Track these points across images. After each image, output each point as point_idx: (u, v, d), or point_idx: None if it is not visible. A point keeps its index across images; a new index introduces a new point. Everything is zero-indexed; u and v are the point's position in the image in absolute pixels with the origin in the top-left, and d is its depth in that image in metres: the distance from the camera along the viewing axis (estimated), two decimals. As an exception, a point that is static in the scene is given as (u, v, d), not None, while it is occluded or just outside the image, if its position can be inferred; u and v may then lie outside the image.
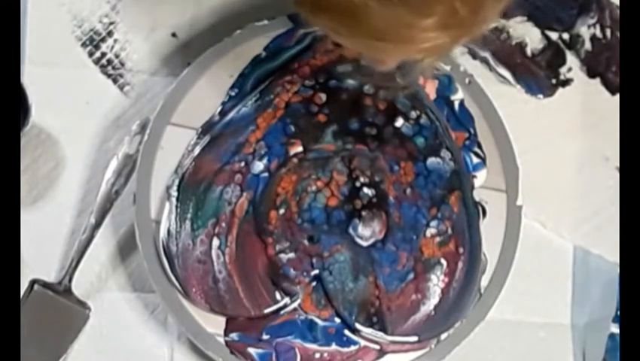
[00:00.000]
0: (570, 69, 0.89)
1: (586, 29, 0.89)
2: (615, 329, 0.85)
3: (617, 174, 0.88)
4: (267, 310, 0.80)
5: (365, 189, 0.82)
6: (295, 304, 0.80)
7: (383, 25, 0.57)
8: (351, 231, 0.82)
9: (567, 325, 0.86)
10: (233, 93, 0.83)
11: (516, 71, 0.88)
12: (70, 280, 0.80)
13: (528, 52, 0.89)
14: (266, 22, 0.83)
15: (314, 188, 0.82)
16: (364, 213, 0.82)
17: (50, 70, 0.85)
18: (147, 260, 0.80)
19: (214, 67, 0.82)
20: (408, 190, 0.83)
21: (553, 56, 0.89)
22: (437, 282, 0.82)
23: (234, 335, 0.80)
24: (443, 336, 0.81)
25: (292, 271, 0.81)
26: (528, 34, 0.89)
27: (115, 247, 0.83)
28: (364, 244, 0.82)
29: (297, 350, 0.80)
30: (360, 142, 0.83)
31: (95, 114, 0.85)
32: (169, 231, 0.80)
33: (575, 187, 0.88)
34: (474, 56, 0.89)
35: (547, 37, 0.89)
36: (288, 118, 0.82)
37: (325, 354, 0.80)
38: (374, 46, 0.60)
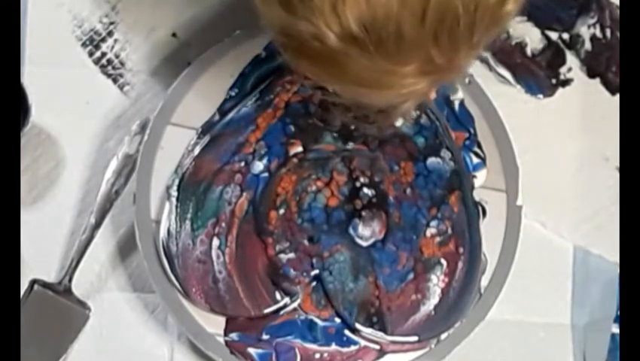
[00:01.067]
0: (570, 69, 0.89)
1: (586, 29, 0.89)
2: (615, 329, 0.85)
3: (617, 174, 0.88)
4: (267, 311, 0.80)
5: (365, 190, 0.82)
6: (295, 305, 0.80)
7: (363, 72, 0.59)
8: (351, 231, 0.82)
9: (567, 325, 0.86)
10: (233, 93, 0.83)
11: (516, 71, 0.88)
12: (70, 280, 0.80)
13: (528, 52, 0.89)
14: (266, 22, 0.83)
15: (314, 188, 0.82)
16: (364, 213, 0.82)
17: (50, 70, 0.85)
18: (147, 260, 0.80)
19: (214, 67, 0.82)
20: (408, 190, 0.83)
21: (553, 56, 0.89)
22: (437, 282, 0.82)
23: (234, 335, 0.80)
24: (443, 336, 0.81)
25: (292, 271, 0.81)
26: (528, 34, 0.89)
27: (115, 247, 0.83)
28: (364, 244, 0.82)
29: (296, 350, 0.80)
30: (360, 142, 0.83)
31: (95, 114, 0.85)
32: (169, 231, 0.80)
33: (575, 187, 0.88)
34: (474, 56, 0.89)
35: (547, 37, 0.89)
36: (288, 118, 0.82)
37: (325, 354, 0.80)
38: (356, 91, 0.62)
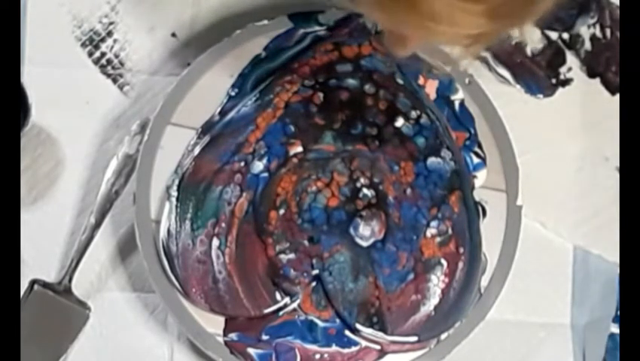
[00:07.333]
0: (570, 69, 0.89)
1: (586, 29, 0.89)
2: (615, 329, 0.85)
3: (617, 174, 0.88)
4: (267, 311, 0.80)
5: (365, 190, 0.82)
6: (295, 305, 0.80)
7: (438, 7, 0.58)
8: (351, 231, 0.82)
9: (567, 325, 0.86)
10: (233, 93, 0.83)
11: (516, 71, 0.88)
12: (70, 280, 0.80)
13: (528, 52, 0.89)
14: (266, 22, 0.83)
15: (314, 188, 0.82)
16: (363, 213, 0.82)
17: (50, 70, 0.85)
18: (147, 260, 0.80)
19: (214, 67, 0.82)
20: (408, 190, 0.83)
21: (553, 55, 0.89)
22: (437, 282, 0.82)
23: (233, 335, 0.80)
24: (443, 336, 0.81)
25: (292, 272, 0.81)
26: (529, 34, 0.89)
27: (115, 247, 0.83)
28: (364, 244, 0.82)
29: (297, 350, 0.80)
30: (360, 142, 0.83)
31: (95, 114, 0.85)
32: (169, 231, 0.80)
33: (575, 187, 0.88)
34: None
35: (547, 37, 0.89)
36: (288, 118, 0.82)
37: (326, 355, 0.80)
38: (426, 27, 0.60)
